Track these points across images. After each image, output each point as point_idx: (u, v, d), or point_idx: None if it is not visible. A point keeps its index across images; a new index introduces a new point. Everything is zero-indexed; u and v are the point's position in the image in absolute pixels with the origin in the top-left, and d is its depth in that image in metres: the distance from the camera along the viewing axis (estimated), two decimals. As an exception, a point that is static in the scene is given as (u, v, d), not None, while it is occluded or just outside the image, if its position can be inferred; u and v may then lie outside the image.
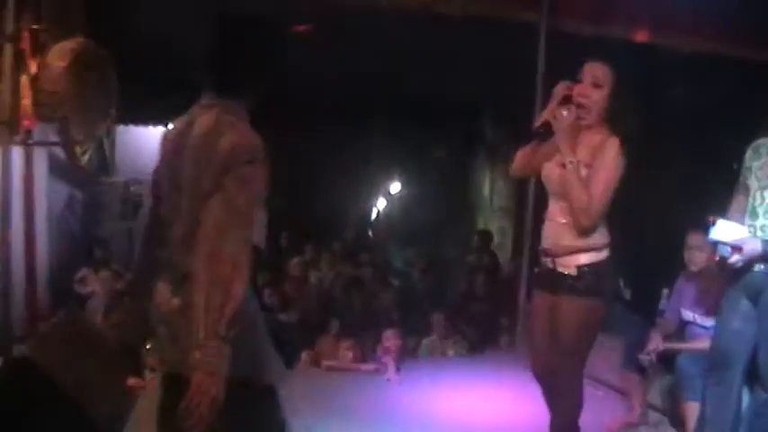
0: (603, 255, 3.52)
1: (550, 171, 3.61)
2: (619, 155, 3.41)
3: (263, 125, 2.41)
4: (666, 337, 4.95)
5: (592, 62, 3.55)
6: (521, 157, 3.72)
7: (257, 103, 2.62)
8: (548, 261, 3.60)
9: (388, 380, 6.00)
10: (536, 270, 3.79)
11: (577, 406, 3.61)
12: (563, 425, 3.61)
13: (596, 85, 3.48)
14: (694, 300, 4.96)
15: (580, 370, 3.61)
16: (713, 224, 4.14)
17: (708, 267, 4.86)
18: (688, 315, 5.01)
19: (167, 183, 2.59)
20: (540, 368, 3.73)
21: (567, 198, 3.48)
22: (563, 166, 3.50)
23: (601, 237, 3.51)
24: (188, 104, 2.60)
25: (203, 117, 2.53)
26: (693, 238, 4.96)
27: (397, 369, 6.12)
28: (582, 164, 3.45)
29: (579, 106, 3.48)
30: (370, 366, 6.26)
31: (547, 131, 3.52)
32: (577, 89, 3.50)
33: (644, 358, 4.94)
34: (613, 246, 3.54)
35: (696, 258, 4.93)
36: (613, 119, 3.49)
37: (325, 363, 6.38)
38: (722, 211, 4.07)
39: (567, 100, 3.50)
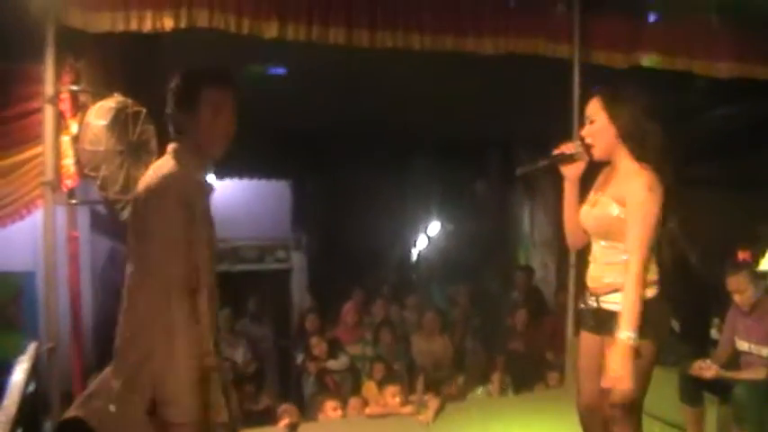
0: (650, 292, 3.33)
1: (586, 213, 3.54)
2: (648, 186, 3.26)
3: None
4: (721, 367, 4.88)
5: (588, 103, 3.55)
6: (570, 230, 3.68)
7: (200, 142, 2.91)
8: (592, 301, 3.52)
9: (420, 419, 5.87)
10: (581, 309, 3.67)
11: None
12: None
13: (591, 122, 3.46)
14: (748, 329, 4.89)
15: (635, 414, 3.45)
16: (744, 260, 4.14)
17: (759, 300, 4.82)
18: (743, 345, 4.93)
19: None
20: (585, 408, 3.64)
21: (611, 239, 3.40)
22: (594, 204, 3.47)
23: (647, 273, 3.32)
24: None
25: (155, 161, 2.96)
26: (732, 282, 4.93)
27: (437, 412, 6.01)
28: (613, 198, 3.37)
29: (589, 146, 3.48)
30: (410, 409, 6.15)
31: (563, 158, 3.51)
32: (582, 133, 3.52)
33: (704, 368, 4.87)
34: (662, 283, 3.38)
35: (741, 300, 4.90)
36: (630, 143, 3.39)
37: (367, 410, 6.31)
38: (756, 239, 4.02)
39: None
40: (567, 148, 3.50)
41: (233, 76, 3.00)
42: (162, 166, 2.85)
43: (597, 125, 3.43)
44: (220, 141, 2.94)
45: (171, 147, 2.92)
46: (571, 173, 3.55)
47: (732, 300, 5.02)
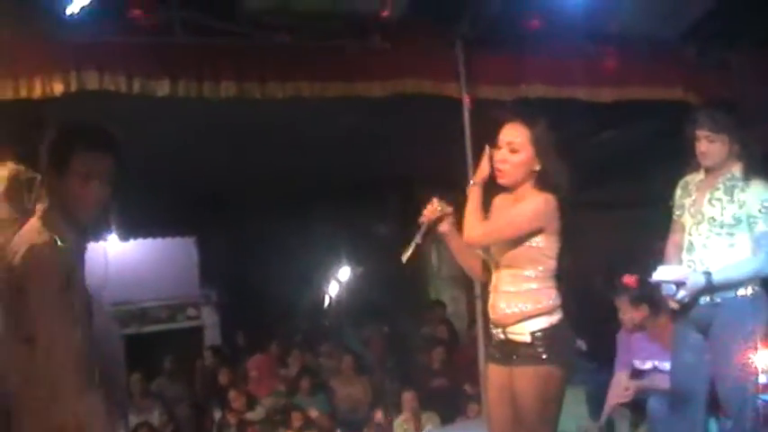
0: (556, 318, 3.39)
1: None
2: (539, 207, 3.36)
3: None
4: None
5: (508, 125, 3.47)
6: (468, 268, 3.72)
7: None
8: (498, 332, 3.48)
9: None
10: (489, 343, 3.68)
11: None
12: None
13: (513, 151, 3.40)
14: (644, 350, 5.01)
15: None
16: (627, 284, 4.33)
17: (643, 321, 4.98)
18: (647, 364, 5.04)
19: None
20: None
21: (515, 266, 3.41)
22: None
23: (551, 299, 3.40)
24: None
25: None
26: (618, 302, 5.08)
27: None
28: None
29: (499, 171, 3.44)
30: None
31: (433, 224, 3.57)
32: (497, 156, 3.45)
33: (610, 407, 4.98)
34: (566, 308, 3.43)
35: (624, 319, 5.06)
36: (543, 177, 3.42)
37: None
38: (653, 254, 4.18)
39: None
40: (430, 213, 3.56)
41: (111, 137, 2.78)
42: (29, 231, 2.65)
43: (521, 157, 3.40)
44: (90, 209, 2.74)
45: (39, 208, 2.71)
46: (445, 227, 3.62)
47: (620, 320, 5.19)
